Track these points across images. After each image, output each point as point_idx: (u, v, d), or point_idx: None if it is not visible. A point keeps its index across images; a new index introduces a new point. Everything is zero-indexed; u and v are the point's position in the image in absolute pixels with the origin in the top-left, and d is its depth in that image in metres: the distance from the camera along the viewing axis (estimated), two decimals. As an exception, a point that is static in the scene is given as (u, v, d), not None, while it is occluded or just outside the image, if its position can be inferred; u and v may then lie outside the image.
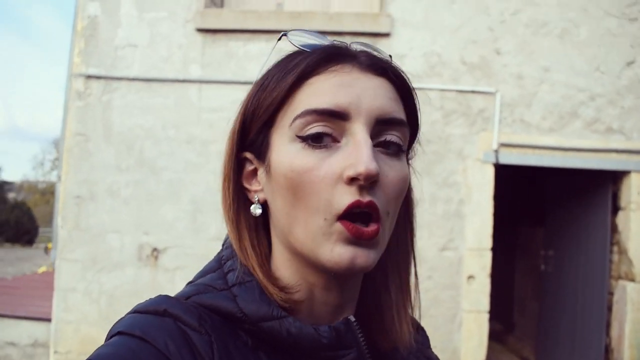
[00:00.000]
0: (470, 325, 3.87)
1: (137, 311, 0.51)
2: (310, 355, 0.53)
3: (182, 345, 0.48)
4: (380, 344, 0.61)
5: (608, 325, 4.12)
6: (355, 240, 0.51)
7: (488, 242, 3.99)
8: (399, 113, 0.56)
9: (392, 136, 0.55)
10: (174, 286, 3.90)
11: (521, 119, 4.12)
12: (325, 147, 0.53)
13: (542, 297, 5.18)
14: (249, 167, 0.61)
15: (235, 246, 0.58)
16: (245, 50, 4.10)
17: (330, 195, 0.51)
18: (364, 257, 0.51)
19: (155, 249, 3.98)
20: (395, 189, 0.54)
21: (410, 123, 0.60)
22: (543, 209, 5.41)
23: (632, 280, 3.99)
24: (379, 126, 0.54)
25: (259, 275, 0.56)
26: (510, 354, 5.25)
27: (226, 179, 0.61)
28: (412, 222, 0.64)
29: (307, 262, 0.55)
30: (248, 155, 0.60)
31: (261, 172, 0.59)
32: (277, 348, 0.54)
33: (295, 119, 0.53)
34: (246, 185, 0.61)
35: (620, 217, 4.21)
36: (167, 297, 0.53)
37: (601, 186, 4.37)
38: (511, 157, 4.09)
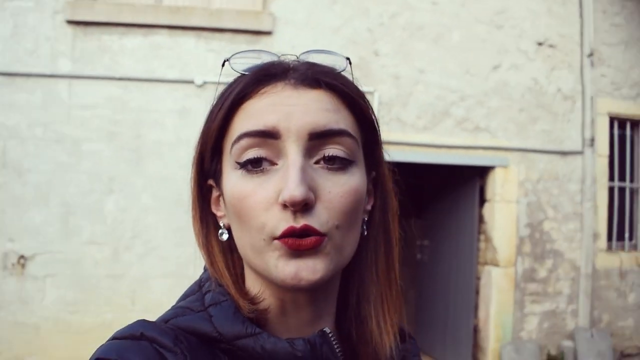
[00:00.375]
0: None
1: (115, 337, 0.53)
2: None
3: None
4: (362, 355, 0.61)
5: (476, 307, 4.57)
6: (296, 252, 0.52)
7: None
8: (337, 123, 0.55)
9: (333, 150, 0.54)
10: (45, 295, 3.71)
11: (398, 117, 4.36)
12: (262, 171, 0.54)
13: (418, 284, 5.59)
14: (215, 193, 0.62)
15: (209, 269, 0.60)
16: (120, 44, 3.92)
17: (265, 219, 0.52)
18: (309, 269, 0.52)
19: (21, 257, 3.74)
20: (342, 203, 0.53)
21: (364, 129, 0.59)
22: (421, 202, 5.80)
23: (497, 265, 4.44)
24: (315, 140, 0.54)
25: (232, 291, 0.57)
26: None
27: (193, 207, 0.62)
28: (390, 230, 0.63)
29: (269, 280, 0.56)
30: (211, 182, 0.62)
31: (221, 199, 0.60)
32: None
33: (232, 145, 0.55)
34: (214, 211, 0.62)
35: (486, 209, 4.64)
36: (144, 321, 0.54)
37: (470, 180, 4.77)
38: (390, 155, 4.33)
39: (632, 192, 5.11)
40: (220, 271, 0.59)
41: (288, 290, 0.56)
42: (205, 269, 0.63)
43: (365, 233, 0.61)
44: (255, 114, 0.54)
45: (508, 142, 4.56)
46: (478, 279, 4.62)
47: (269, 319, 0.58)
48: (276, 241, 0.52)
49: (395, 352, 0.62)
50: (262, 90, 0.55)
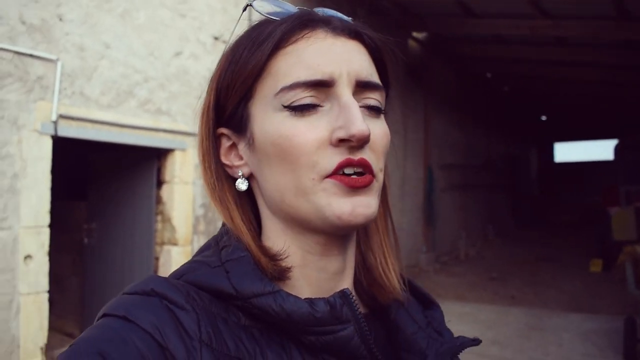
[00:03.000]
0: (29, 309, 3.93)
1: (125, 292, 0.54)
2: (305, 331, 0.55)
3: (166, 322, 0.51)
4: (379, 295, 0.67)
5: (156, 287, 4.98)
6: (351, 190, 0.55)
7: (46, 219, 4.07)
8: (375, 77, 0.61)
9: (371, 100, 0.60)
10: None
11: (81, 91, 4.37)
12: (311, 111, 0.57)
13: (85, 270, 5.63)
14: (227, 144, 0.63)
15: (227, 223, 0.61)
16: None
17: (317, 157, 0.55)
18: (365, 205, 0.56)
19: None
20: (382, 145, 0.59)
21: (383, 81, 0.64)
22: (86, 183, 5.83)
23: (176, 244, 4.95)
24: (359, 88, 0.59)
25: (252, 248, 0.59)
26: (52, 331, 5.48)
27: (205, 157, 0.63)
28: (386, 183, 0.67)
29: (303, 228, 0.59)
30: (224, 131, 0.63)
31: (242, 147, 0.62)
32: (272, 324, 0.56)
33: (282, 90, 0.57)
34: (225, 162, 0.63)
35: (165, 190, 5.11)
36: (155, 277, 0.56)
37: (148, 161, 5.13)
38: (70, 130, 4.29)
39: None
40: (240, 226, 0.60)
41: (319, 241, 0.59)
42: (222, 224, 0.64)
43: None
44: (307, 60, 0.57)
45: (186, 126, 5.14)
46: (156, 259, 5.05)
47: (289, 274, 0.60)
48: (328, 179, 0.55)
49: (411, 306, 0.70)
50: (307, 35, 0.58)
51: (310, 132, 0.56)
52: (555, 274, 10.31)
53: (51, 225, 4.16)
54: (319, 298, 0.56)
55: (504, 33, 8.84)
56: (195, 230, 5.13)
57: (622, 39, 8.08)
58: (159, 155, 5.09)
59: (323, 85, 0.56)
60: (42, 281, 4.02)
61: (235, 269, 0.57)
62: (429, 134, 11.14)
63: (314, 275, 0.61)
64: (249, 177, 0.63)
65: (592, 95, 14.06)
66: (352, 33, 0.61)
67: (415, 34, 9.82)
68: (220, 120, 0.63)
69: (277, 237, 0.61)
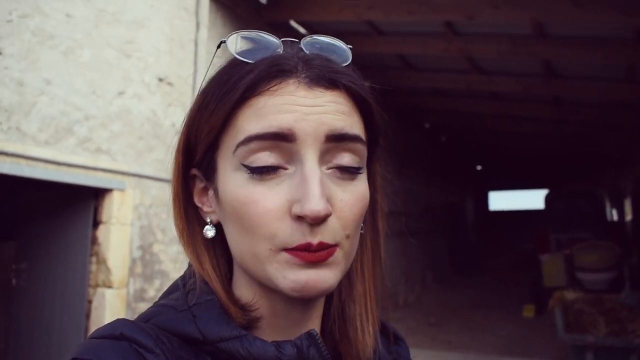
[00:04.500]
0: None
1: (93, 337, 0.53)
2: None
3: None
4: (345, 355, 0.64)
5: (87, 331, 4.76)
6: (308, 264, 0.53)
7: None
8: (352, 128, 0.56)
9: (346, 158, 0.56)
10: None
11: (18, 127, 4.26)
12: (273, 174, 0.54)
13: (13, 312, 5.33)
14: (200, 185, 0.62)
15: (196, 268, 0.60)
16: None
17: (276, 230, 0.53)
18: (321, 279, 0.53)
19: None
20: (353, 211, 0.55)
21: (369, 131, 0.61)
22: (15, 221, 5.59)
23: (110, 287, 4.79)
24: (330, 144, 0.54)
25: (221, 296, 0.58)
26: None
27: (176, 199, 0.62)
28: (379, 229, 0.66)
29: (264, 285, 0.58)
30: (197, 173, 0.61)
31: (211, 194, 0.60)
32: None
33: (238, 146, 0.54)
34: (198, 204, 0.62)
35: (101, 230, 4.96)
36: (124, 320, 0.55)
37: (84, 201, 4.98)
38: (4, 166, 4.15)
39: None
40: (208, 272, 0.60)
41: (290, 298, 0.56)
42: (189, 265, 0.63)
43: (362, 232, 0.62)
44: (267, 113, 0.53)
45: (127, 166, 5.06)
46: (89, 302, 4.85)
47: (259, 321, 0.59)
48: (285, 252, 0.53)
49: (380, 352, 0.67)
50: (274, 87, 0.54)
51: (268, 200, 0.53)
52: (491, 319, 10.55)
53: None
54: (286, 341, 0.56)
55: (442, 86, 9.26)
56: (131, 273, 4.99)
57: (550, 94, 8.62)
58: (96, 195, 4.96)
59: (280, 140, 0.53)
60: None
61: (201, 313, 0.56)
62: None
63: (281, 322, 0.61)
64: (219, 224, 0.61)
65: (524, 146, 14.81)
66: (329, 82, 0.56)
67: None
68: (192, 162, 0.61)
69: (245, 287, 0.61)
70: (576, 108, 9.23)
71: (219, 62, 0.63)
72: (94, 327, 4.77)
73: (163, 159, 5.40)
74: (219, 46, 0.61)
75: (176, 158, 0.62)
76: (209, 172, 0.59)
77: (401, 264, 13.41)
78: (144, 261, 5.15)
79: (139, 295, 5.04)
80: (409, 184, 14.20)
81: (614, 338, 4.90)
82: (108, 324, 0.55)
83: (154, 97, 5.32)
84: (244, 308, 0.58)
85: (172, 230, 5.40)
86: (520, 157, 17.26)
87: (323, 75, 0.56)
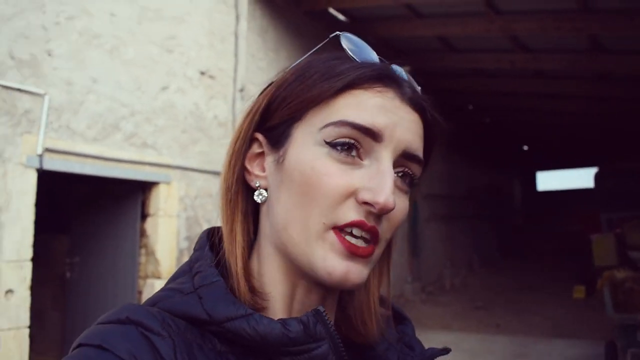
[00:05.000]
0: (10, 345, 3.87)
1: (100, 322, 0.54)
2: (280, 352, 0.55)
3: (143, 349, 0.50)
4: (353, 339, 0.67)
5: (139, 321, 4.94)
6: (350, 255, 0.55)
7: (28, 253, 4.06)
8: (421, 152, 0.61)
9: (410, 170, 0.60)
10: None
11: (67, 125, 4.41)
12: (351, 159, 0.56)
13: (67, 305, 5.56)
14: (256, 150, 0.63)
15: (224, 228, 0.61)
16: None
17: (338, 205, 0.55)
18: (357, 273, 0.56)
19: None
20: (398, 220, 0.59)
21: (425, 159, 0.63)
22: (68, 216, 5.80)
23: (159, 277, 4.93)
24: (402, 159, 0.58)
25: (238, 265, 0.59)
26: (33, 368, 5.39)
27: (234, 156, 0.62)
28: (392, 242, 0.67)
29: (293, 261, 0.59)
30: (260, 137, 0.62)
31: (270, 160, 0.61)
32: (247, 348, 0.56)
33: (328, 125, 0.56)
34: (248, 166, 0.63)
35: (149, 223, 5.11)
36: (130, 305, 0.55)
37: (132, 194, 5.14)
38: (55, 164, 4.31)
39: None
40: (236, 235, 0.60)
41: (319, 283, 0.58)
42: (195, 249, 0.64)
43: None
44: (367, 108, 0.56)
45: (172, 159, 5.18)
46: (140, 292, 5.01)
47: (270, 302, 0.60)
48: (333, 233, 0.55)
49: (386, 334, 0.69)
50: (378, 89, 0.58)
51: (341, 178, 0.55)
52: (539, 301, 10.35)
53: (33, 259, 4.13)
54: (292, 318, 0.56)
55: (485, 67, 9.04)
56: (179, 263, 5.09)
57: (596, 71, 8.31)
58: (143, 189, 5.10)
59: (369, 136, 0.56)
60: (23, 316, 3.97)
61: (208, 295, 0.56)
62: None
63: (296, 305, 0.61)
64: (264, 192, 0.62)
65: (571, 125, 14.34)
66: (417, 106, 0.61)
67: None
68: (261, 126, 0.62)
69: (267, 260, 0.61)
70: (624, 84, 8.85)
71: (313, 50, 0.66)
72: (146, 316, 4.93)
73: (207, 151, 5.49)
74: (332, 36, 0.63)
75: (248, 118, 0.62)
76: (280, 139, 0.60)
77: (447, 248, 13.29)
78: (191, 251, 5.26)
79: (188, 285, 5.17)
80: (453, 167, 14.01)
81: (665, 317, 4.74)
82: (114, 309, 0.55)
83: (196, 90, 5.40)
84: (253, 290, 0.59)
85: (217, 221, 5.50)
86: (567, 136, 16.72)
87: (415, 96, 0.61)
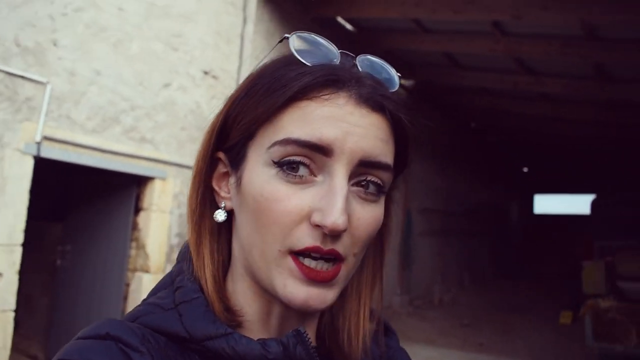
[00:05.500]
0: (-7, 327, 3.92)
1: (80, 337, 0.53)
2: None
3: None
4: (336, 357, 0.64)
5: (124, 313, 4.97)
6: (309, 281, 0.53)
7: (19, 238, 4.09)
8: (386, 156, 0.57)
9: (374, 177, 0.56)
10: None
11: (68, 115, 4.46)
12: (300, 179, 0.54)
13: (56, 291, 5.59)
14: (222, 169, 0.61)
15: (193, 252, 0.60)
16: None
17: (290, 230, 0.53)
18: (319, 298, 0.54)
19: None
20: (366, 232, 0.56)
21: (398, 158, 0.61)
22: (63, 205, 5.84)
23: (148, 271, 4.97)
24: (362, 168, 0.55)
25: (209, 288, 0.58)
26: (16, 353, 5.41)
27: (197, 177, 0.62)
28: (384, 249, 0.67)
29: (260, 284, 0.58)
30: (222, 157, 0.61)
31: (232, 181, 0.60)
32: None
33: (273, 144, 0.54)
34: (215, 187, 0.62)
35: (142, 217, 5.14)
36: (110, 320, 0.55)
37: (127, 188, 5.17)
38: (53, 152, 4.36)
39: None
40: (204, 258, 0.60)
41: (282, 304, 0.57)
42: (177, 261, 0.64)
43: None
44: (313, 121, 0.54)
45: (169, 156, 5.22)
46: (127, 285, 5.05)
47: (247, 320, 0.60)
48: (291, 259, 0.54)
49: (369, 351, 0.67)
50: (325, 96, 0.55)
51: (291, 203, 0.53)
52: (526, 323, 10.36)
53: (24, 244, 4.17)
54: (272, 339, 0.56)
55: (489, 86, 9.10)
56: (168, 259, 5.15)
57: (601, 97, 8.36)
58: (139, 183, 5.14)
59: (318, 152, 0.54)
60: (10, 300, 4.01)
61: (188, 312, 0.56)
62: (411, 178, 11.31)
63: (273, 322, 0.61)
64: (231, 212, 0.61)
65: (573, 150, 14.40)
66: (377, 106, 0.57)
67: (402, 81, 10.05)
68: (221, 145, 0.61)
69: (240, 281, 0.61)
70: (627, 112, 8.90)
71: (267, 56, 0.64)
72: (131, 309, 4.96)
73: (204, 150, 5.54)
74: (280, 41, 0.61)
75: (207, 138, 0.61)
76: (237, 160, 0.59)
77: (439, 264, 13.31)
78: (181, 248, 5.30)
79: (175, 281, 5.20)
80: (451, 183, 14.04)
81: (643, 349, 4.78)
82: (94, 323, 0.55)
83: (198, 89, 5.46)
84: (229, 311, 0.59)
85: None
86: (568, 161, 16.78)
87: (372, 96, 0.57)
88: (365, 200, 0.56)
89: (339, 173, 0.54)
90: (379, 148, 0.56)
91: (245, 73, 5.89)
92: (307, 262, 0.54)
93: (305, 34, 0.58)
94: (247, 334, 0.58)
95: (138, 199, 5.15)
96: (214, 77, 5.62)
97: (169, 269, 4.34)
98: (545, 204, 23.78)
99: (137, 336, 0.53)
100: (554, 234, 21.44)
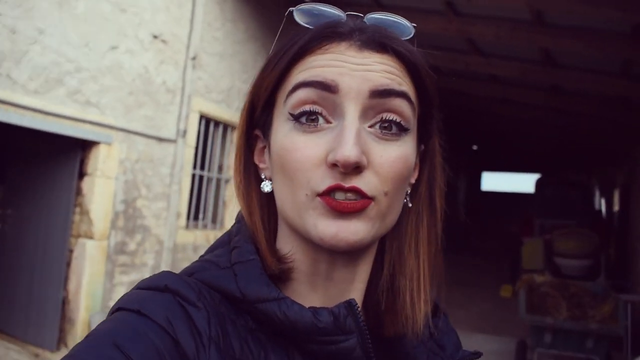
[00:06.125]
0: None
1: (139, 287, 0.55)
2: (309, 340, 0.55)
3: (179, 318, 0.51)
4: (387, 327, 0.64)
5: (66, 279, 4.93)
6: (337, 214, 0.54)
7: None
8: (400, 85, 0.57)
9: (391, 114, 0.57)
10: None
11: (8, 74, 4.30)
12: (315, 128, 0.56)
13: (-3, 258, 5.48)
14: (260, 144, 0.65)
15: (247, 221, 0.63)
16: None
17: (312, 175, 0.55)
18: (350, 230, 0.54)
19: None
20: (392, 169, 0.56)
21: (422, 100, 0.61)
22: (3, 167, 5.67)
23: (91, 238, 4.91)
24: (375, 100, 0.56)
25: (263, 247, 0.60)
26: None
27: (237, 155, 0.65)
28: (436, 205, 0.66)
29: (305, 237, 0.58)
30: (258, 132, 0.65)
31: (267, 151, 0.63)
32: (278, 330, 0.56)
33: (287, 95, 0.57)
34: (257, 162, 0.65)
35: (86, 182, 5.04)
36: (169, 273, 0.57)
37: (71, 152, 5.04)
38: (-8, 112, 4.23)
39: (208, 180, 6.52)
40: (257, 225, 0.62)
41: (325, 251, 0.58)
42: (236, 220, 0.66)
43: (410, 205, 0.64)
44: (315, 67, 0.57)
45: (115, 121, 5.12)
46: (71, 251, 4.98)
47: (296, 279, 0.61)
48: (318, 198, 0.55)
49: (424, 329, 0.64)
50: (326, 47, 0.57)
51: (308, 149, 0.55)
52: (468, 296, 10.79)
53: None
54: (323, 308, 0.56)
55: (441, 65, 9.24)
56: (113, 226, 5.11)
57: (548, 82, 8.64)
58: (83, 147, 5.04)
59: (326, 90, 0.55)
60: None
61: (243, 273, 0.57)
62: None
63: (320, 282, 0.61)
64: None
65: (521, 131, 14.84)
66: (380, 46, 0.58)
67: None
68: (255, 121, 0.65)
69: (286, 242, 0.62)
70: (573, 98, 9.23)
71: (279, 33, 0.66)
72: (73, 275, 4.92)
73: (152, 115, 5.47)
74: (286, 15, 0.63)
75: (241, 117, 0.65)
76: (266, 129, 0.62)
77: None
78: (127, 215, 5.26)
79: (120, 248, 5.18)
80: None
81: (571, 321, 5.09)
82: (153, 275, 0.57)
83: (147, 53, 5.35)
84: (280, 259, 0.60)
85: (156, 187, 5.50)
86: (516, 141, 17.30)
87: (374, 39, 0.58)
88: (386, 139, 0.57)
89: (350, 111, 0.55)
90: (387, 78, 0.57)
91: (196, 38, 5.80)
92: (333, 197, 0.54)
93: (308, 5, 0.60)
94: (297, 286, 0.61)
95: (82, 163, 5.04)
96: (164, 41, 5.52)
97: (114, 235, 4.39)
98: (493, 181, 24.46)
99: (195, 291, 0.54)
100: (499, 210, 22.17)
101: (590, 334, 5.04)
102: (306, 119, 0.56)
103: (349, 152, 0.52)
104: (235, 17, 6.56)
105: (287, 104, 0.57)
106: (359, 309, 0.57)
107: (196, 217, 6.32)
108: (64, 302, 4.91)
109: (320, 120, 0.56)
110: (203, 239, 6.22)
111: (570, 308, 5.26)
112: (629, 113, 8.75)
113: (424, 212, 0.66)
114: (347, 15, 0.61)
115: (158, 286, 0.54)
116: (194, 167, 6.12)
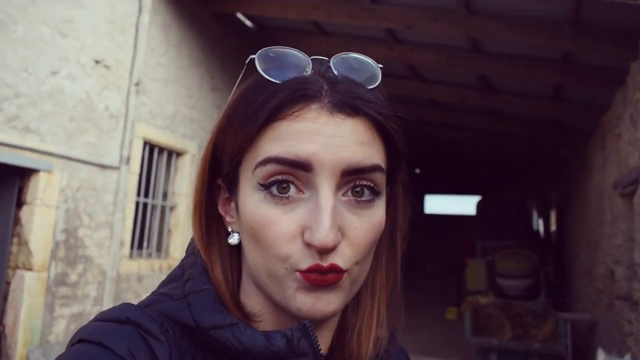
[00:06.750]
0: None
1: (99, 320, 0.54)
2: None
3: (141, 352, 0.51)
4: (336, 357, 0.65)
5: (3, 313, 4.73)
6: (314, 287, 0.55)
7: None
8: (372, 158, 0.57)
9: (364, 181, 0.57)
10: None
11: (-59, 100, 4.20)
12: (288, 199, 0.55)
13: None
14: (224, 195, 0.64)
15: (210, 273, 0.62)
16: None
17: (289, 251, 0.55)
18: (325, 302, 0.55)
19: None
20: (365, 240, 0.57)
21: (391, 156, 0.61)
22: None
23: (30, 269, 4.76)
24: (347, 177, 0.56)
25: (229, 303, 0.60)
26: None
27: (197, 207, 0.63)
28: (396, 247, 0.67)
29: (271, 299, 0.59)
30: (221, 184, 0.63)
31: (233, 206, 0.62)
32: (234, 358, 0.56)
33: (256, 166, 0.55)
34: (222, 212, 0.64)
35: (25, 211, 4.91)
36: (130, 305, 0.56)
37: (9, 180, 4.91)
38: None
39: (153, 207, 6.45)
40: (219, 279, 0.62)
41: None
42: (188, 253, 0.66)
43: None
44: (287, 138, 0.55)
45: (56, 148, 5.02)
46: (8, 283, 4.80)
47: (261, 323, 0.61)
48: (298, 273, 0.55)
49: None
50: (297, 112, 0.55)
51: (282, 226, 0.55)
52: (415, 319, 10.98)
53: None
54: (276, 331, 0.57)
55: (383, 91, 9.53)
56: (53, 256, 4.97)
57: (486, 107, 9.08)
58: (22, 175, 4.91)
59: (298, 168, 0.54)
60: None
61: (196, 302, 0.58)
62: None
63: (282, 321, 0.62)
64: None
65: (462, 154, 15.41)
66: (351, 109, 0.57)
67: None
68: (218, 173, 0.63)
69: (251, 297, 0.62)
70: (510, 122, 9.73)
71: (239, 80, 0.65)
72: (10, 309, 4.74)
73: (95, 142, 5.40)
74: (247, 62, 0.61)
75: (202, 167, 0.63)
76: (232, 186, 0.61)
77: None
78: (68, 245, 5.14)
79: (60, 280, 5.04)
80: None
81: (515, 342, 5.31)
82: (115, 307, 0.56)
83: (89, 79, 5.31)
84: (248, 317, 0.60)
85: (99, 215, 5.41)
86: (458, 163, 17.93)
87: (346, 101, 0.56)
88: (360, 207, 0.57)
89: (324, 188, 0.54)
90: (361, 152, 0.56)
91: (139, 64, 5.81)
92: (314, 276, 0.55)
93: (270, 51, 0.59)
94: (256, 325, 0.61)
95: (21, 192, 4.91)
96: (106, 66, 5.49)
97: (54, 266, 4.29)
98: (436, 204, 25.10)
99: (157, 324, 0.54)
100: (442, 232, 22.74)
101: (534, 354, 5.28)
102: (277, 188, 0.55)
103: (325, 237, 0.52)
104: (180, 43, 6.61)
105: (256, 174, 0.56)
106: (313, 331, 0.57)
107: (140, 246, 6.23)
108: (0, 337, 4.72)
109: (292, 188, 0.55)
110: (147, 268, 6.13)
111: (514, 328, 5.50)
112: (561, 135, 9.30)
113: (384, 253, 0.67)
114: (312, 59, 0.60)
115: (119, 318, 0.54)
116: (138, 194, 6.06)
